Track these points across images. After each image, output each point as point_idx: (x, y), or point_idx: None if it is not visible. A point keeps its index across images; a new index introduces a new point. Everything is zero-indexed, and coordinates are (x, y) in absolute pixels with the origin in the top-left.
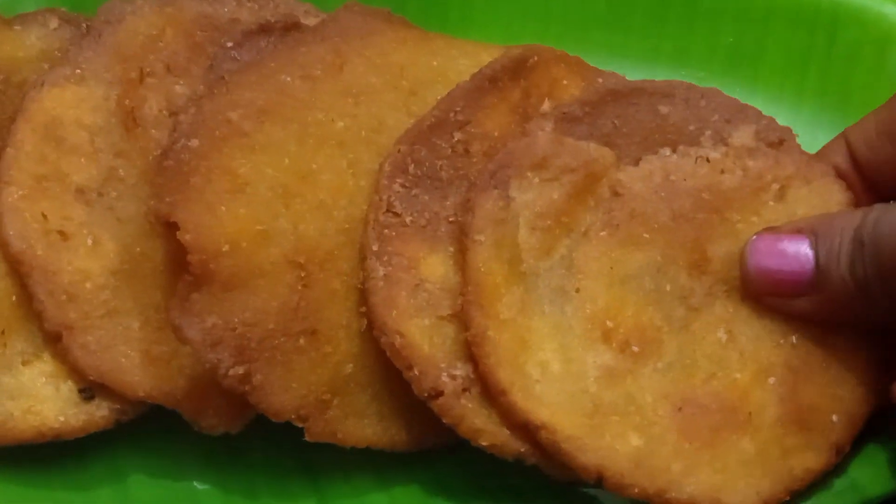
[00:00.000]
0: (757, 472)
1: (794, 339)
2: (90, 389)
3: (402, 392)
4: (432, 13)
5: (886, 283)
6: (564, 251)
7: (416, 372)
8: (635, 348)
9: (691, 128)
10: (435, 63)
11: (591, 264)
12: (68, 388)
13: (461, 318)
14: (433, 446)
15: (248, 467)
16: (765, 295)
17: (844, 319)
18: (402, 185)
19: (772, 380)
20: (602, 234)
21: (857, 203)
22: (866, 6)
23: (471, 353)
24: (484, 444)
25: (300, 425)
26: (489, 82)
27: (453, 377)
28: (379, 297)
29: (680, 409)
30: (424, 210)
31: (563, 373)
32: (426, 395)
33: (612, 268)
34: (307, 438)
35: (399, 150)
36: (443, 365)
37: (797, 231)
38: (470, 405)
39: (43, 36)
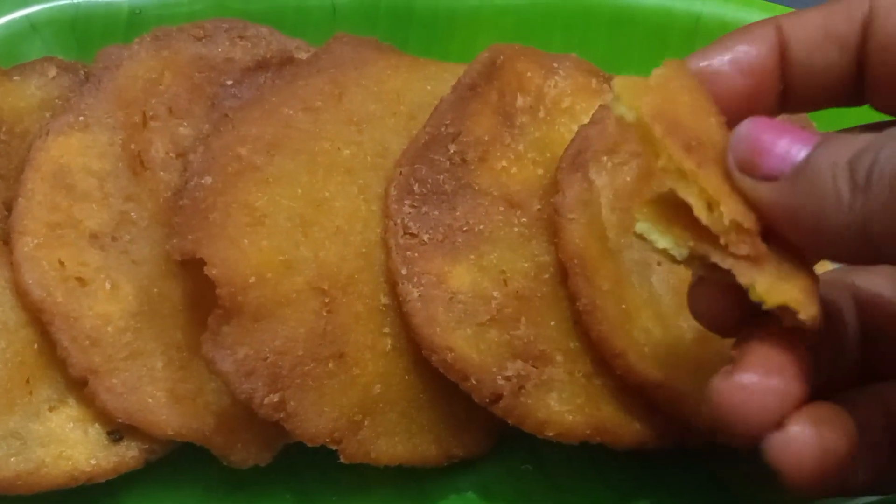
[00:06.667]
0: None
1: None
2: (118, 431)
3: (428, 407)
4: (434, 48)
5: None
6: None
7: (474, 381)
8: None
9: None
10: (429, 87)
11: None
12: (96, 431)
13: (500, 321)
14: (462, 458)
15: (248, 501)
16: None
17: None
18: (412, 206)
19: None
20: None
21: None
22: None
23: (582, 321)
24: (550, 434)
25: (334, 448)
26: (469, 90)
27: (508, 378)
28: (420, 318)
29: None
30: (438, 225)
31: (664, 336)
32: (487, 400)
33: None
34: (343, 460)
35: (401, 173)
36: (494, 369)
37: (807, 134)
38: (529, 401)
39: (42, 85)
